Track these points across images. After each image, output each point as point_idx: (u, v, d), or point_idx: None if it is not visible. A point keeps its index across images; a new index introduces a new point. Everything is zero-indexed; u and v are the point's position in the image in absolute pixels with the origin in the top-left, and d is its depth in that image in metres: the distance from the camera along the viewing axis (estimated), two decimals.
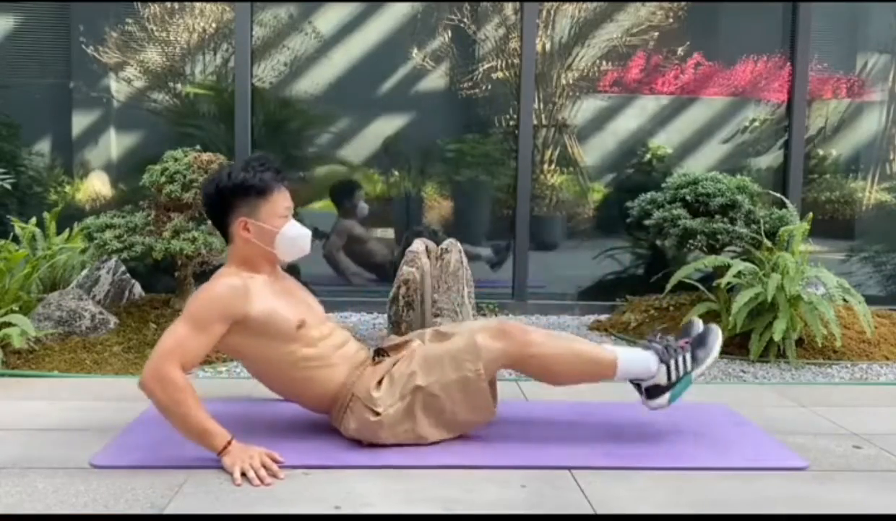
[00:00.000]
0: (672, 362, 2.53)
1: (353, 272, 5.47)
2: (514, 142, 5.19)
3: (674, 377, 2.53)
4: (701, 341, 2.59)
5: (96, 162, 5.39)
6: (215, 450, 2.30)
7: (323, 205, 5.55)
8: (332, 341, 2.56)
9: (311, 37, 5.42)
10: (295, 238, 2.57)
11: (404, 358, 2.56)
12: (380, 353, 2.66)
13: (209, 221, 3.96)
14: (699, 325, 2.68)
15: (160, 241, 3.78)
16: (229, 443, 2.31)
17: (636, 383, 2.62)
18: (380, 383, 2.50)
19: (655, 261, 5.29)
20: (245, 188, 2.51)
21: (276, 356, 2.48)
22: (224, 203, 2.54)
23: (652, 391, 2.57)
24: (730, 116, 5.61)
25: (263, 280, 2.52)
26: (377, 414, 2.45)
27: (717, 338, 2.60)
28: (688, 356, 2.55)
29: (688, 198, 4.39)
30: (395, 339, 2.77)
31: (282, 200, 2.56)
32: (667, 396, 2.55)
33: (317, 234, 5.39)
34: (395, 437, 2.48)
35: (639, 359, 2.56)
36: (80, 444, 2.52)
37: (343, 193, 5.51)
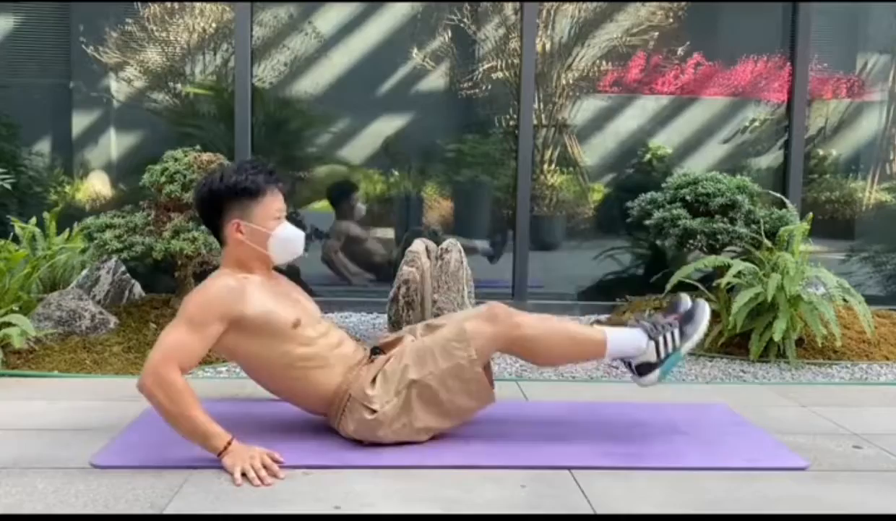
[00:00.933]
0: (661, 339, 2.56)
1: (353, 273, 5.47)
2: (514, 142, 5.19)
3: (663, 354, 2.56)
4: (689, 317, 2.61)
5: (96, 162, 5.39)
6: (215, 451, 2.30)
7: (323, 205, 5.55)
8: (328, 341, 2.57)
9: (311, 37, 5.42)
10: (287, 240, 2.58)
11: (396, 354, 2.57)
12: (375, 351, 2.66)
13: None
14: (687, 301, 2.69)
15: (160, 241, 3.78)
16: (229, 443, 2.31)
17: (627, 362, 2.64)
18: (374, 381, 2.50)
19: (655, 261, 5.29)
20: (238, 190, 2.52)
21: (272, 356, 2.48)
22: (217, 205, 2.55)
23: (642, 369, 2.60)
24: (730, 116, 5.61)
25: (258, 281, 2.52)
26: (374, 412, 2.46)
27: (704, 313, 2.61)
28: (676, 332, 2.57)
29: (688, 198, 4.39)
30: (389, 336, 2.78)
31: (274, 202, 2.57)
32: (657, 372, 2.57)
33: (317, 234, 5.40)
34: (395, 434, 2.48)
35: (628, 338, 2.59)
36: (80, 444, 2.52)
37: (340, 194, 5.50)
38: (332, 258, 5.44)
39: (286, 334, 2.47)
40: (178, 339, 2.35)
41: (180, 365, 2.33)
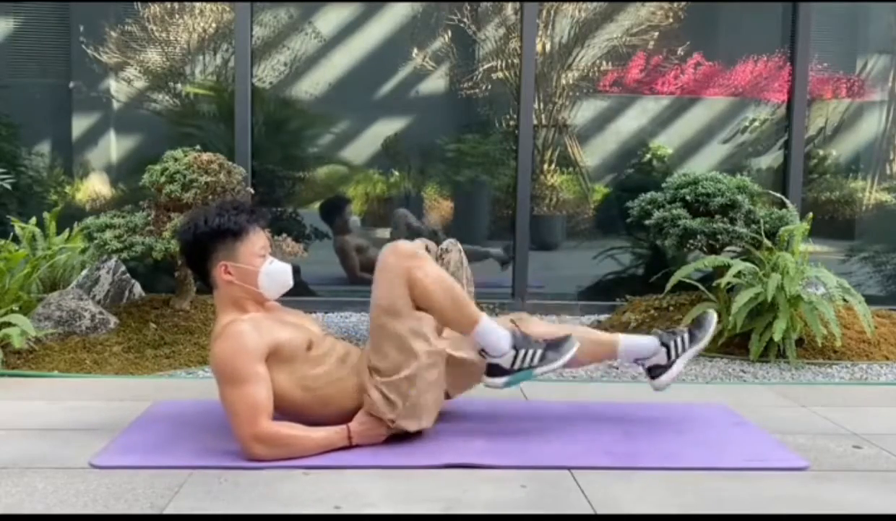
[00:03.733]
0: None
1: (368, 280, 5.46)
2: (514, 142, 5.19)
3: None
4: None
5: (96, 162, 5.39)
6: (346, 444, 2.45)
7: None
8: (336, 355, 2.59)
9: (311, 37, 5.42)
10: (276, 274, 2.58)
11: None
12: None
13: None
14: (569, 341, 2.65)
15: (160, 241, 3.78)
16: (350, 432, 2.46)
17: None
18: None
19: (655, 261, 5.29)
20: (222, 232, 2.53)
21: (291, 381, 2.49)
22: (203, 249, 2.56)
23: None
24: (730, 116, 5.61)
25: (260, 317, 2.54)
26: (392, 421, 2.49)
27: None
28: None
29: (688, 198, 4.39)
30: None
31: (258, 240, 2.58)
32: (504, 379, 2.57)
33: (317, 234, 5.39)
34: (420, 414, 2.51)
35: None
36: (80, 444, 2.52)
37: (332, 211, 5.46)
38: (358, 277, 5.40)
39: (302, 357, 2.50)
40: (243, 400, 2.36)
41: (267, 416, 2.37)
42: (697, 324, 2.80)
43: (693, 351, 2.74)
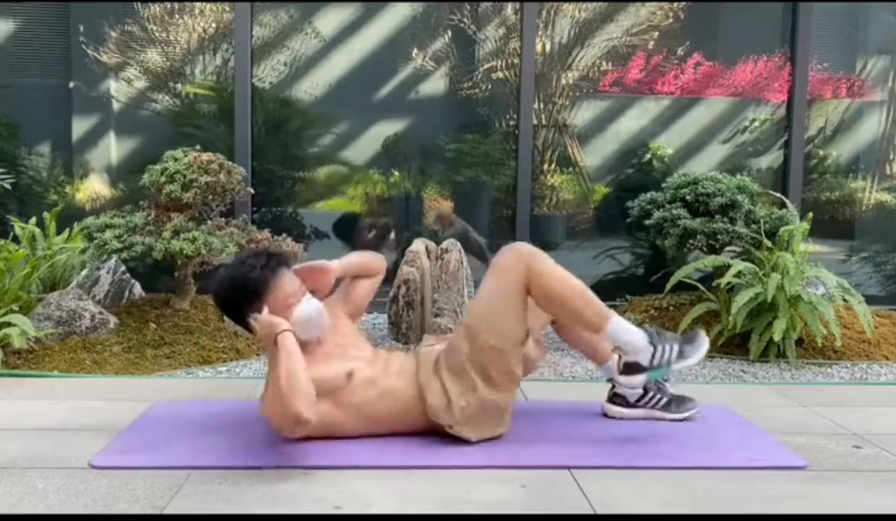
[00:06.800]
0: (659, 347, 2.57)
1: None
2: (514, 142, 5.19)
3: (656, 362, 2.57)
4: (690, 340, 2.64)
5: (96, 162, 5.38)
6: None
7: (324, 205, 5.55)
8: (393, 369, 2.58)
9: (311, 37, 5.42)
10: (306, 321, 2.52)
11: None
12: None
13: (209, 222, 3.98)
14: (702, 335, 2.69)
15: (160, 241, 3.78)
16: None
17: (621, 355, 2.67)
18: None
19: (655, 261, 5.29)
20: (247, 292, 2.50)
21: (339, 410, 2.50)
22: (237, 309, 2.54)
23: (630, 368, 2.63)
24: (730, 116, 5.61)
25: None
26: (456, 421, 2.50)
27: (704, 342, 2.64)
28: (676, 347, 2.59)
29: (688, 198, 4.39)
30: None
31: (284, 287, 2.52)
32: (642, 376, 2.59)
33: (318, 234, 5.39)
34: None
35: (632, 328, 2.57)
36: (80, 444, 2.52)
37: (344, 229, 5.48)
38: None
39: (344, 388, 2.50)
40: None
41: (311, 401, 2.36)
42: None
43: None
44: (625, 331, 2.53)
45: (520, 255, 2.49)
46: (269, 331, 2.43)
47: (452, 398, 2.49)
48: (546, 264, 2.50)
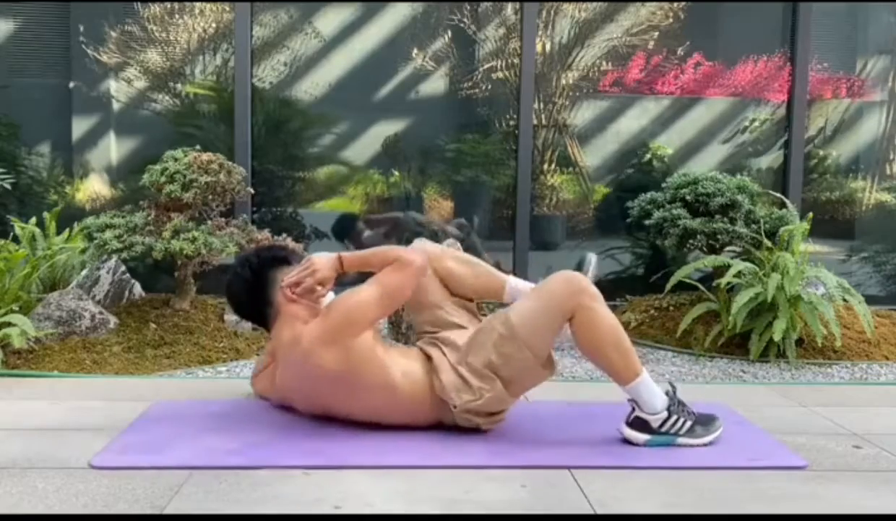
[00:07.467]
0: (673, 417, 2.57)
1: None
2: (514, 142, 5.19)
3: (664, 429, 2.57)
4: (705, 421, 2.63)
5: (96, 162, 5.38)
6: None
7: (324, 205, 5.55)
8: (420, 358, 2.66)
9: (311, 37, 5.42)
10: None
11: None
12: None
13: (209, 222, 3.96)
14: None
15: (160, 241, 3.78)
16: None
17: (633, 408, 2.62)
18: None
19: (655, 261, 5.29)
20: (277, 260, 2.73)
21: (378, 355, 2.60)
22: (264, 280, 2.69)
23: (637, 424, 2.59)
24: (730, 116, 5.61)
25: None
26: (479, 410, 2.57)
27: (718, 429, 2.62)
28: (689, 424, 2.58)
29: (688, 198, 4.39)
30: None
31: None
32: (647, 437, 2.57)
33: (317, 234, 5.39)
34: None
35: (656, 391, 2.58)
36: (80, 444, 2.52)
37: (343, 230, 5.48)
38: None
39: (380, 343, 2.64)
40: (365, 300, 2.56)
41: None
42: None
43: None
44: (648, 391, 2.55)
45: (571, 285, 2.54)
46: (326, 262, 2.59)
47: (471, 383, 2.54)
48: (599, 304, 2.53)
